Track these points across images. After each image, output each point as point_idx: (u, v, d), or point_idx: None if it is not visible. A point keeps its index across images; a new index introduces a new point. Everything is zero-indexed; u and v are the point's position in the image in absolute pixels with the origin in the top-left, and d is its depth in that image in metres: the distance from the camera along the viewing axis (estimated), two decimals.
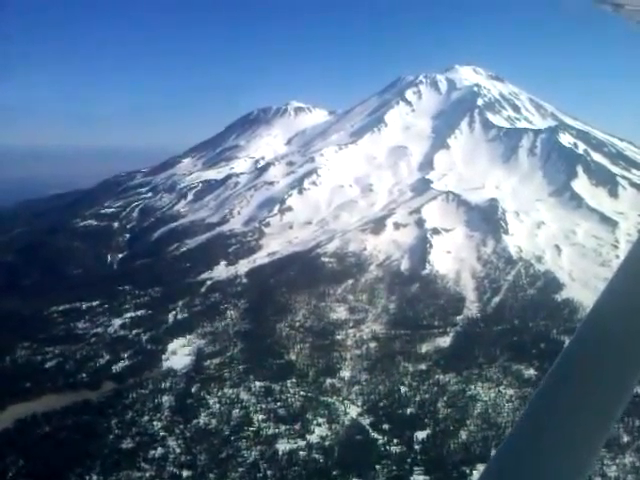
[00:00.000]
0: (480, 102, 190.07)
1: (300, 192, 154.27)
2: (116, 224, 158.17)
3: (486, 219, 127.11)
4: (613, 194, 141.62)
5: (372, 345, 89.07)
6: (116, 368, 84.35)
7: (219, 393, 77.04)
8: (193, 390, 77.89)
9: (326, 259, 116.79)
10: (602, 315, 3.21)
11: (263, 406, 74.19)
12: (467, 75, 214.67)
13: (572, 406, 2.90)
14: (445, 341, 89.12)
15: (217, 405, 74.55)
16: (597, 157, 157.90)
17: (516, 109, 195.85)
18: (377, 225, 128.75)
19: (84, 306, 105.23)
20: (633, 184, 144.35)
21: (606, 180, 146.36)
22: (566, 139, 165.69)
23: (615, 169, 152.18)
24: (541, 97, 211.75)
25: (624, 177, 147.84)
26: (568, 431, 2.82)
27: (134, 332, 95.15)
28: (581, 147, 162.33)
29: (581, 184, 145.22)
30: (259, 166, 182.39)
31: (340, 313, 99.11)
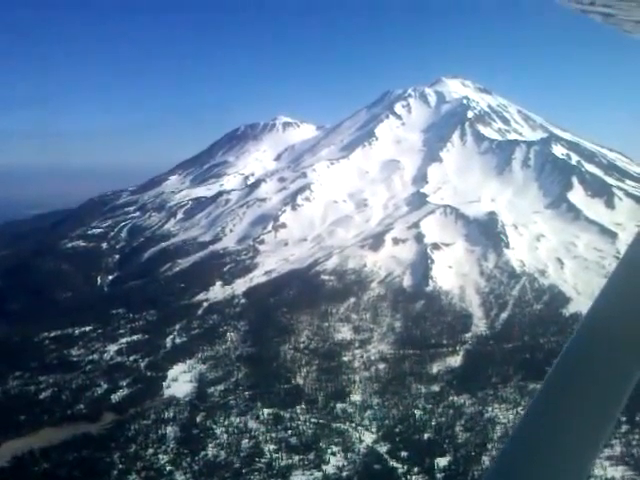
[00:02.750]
0: (470, 115, 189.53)
1: (293, 208, 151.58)
2: (104, 245, 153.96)
3: (486, 233, 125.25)
4: (610, 205, 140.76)
5: (381, 366, 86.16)
6: (115, 397, 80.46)
7: (226, 422, 73.53)
8: (198, 419, 74.34)
9: (326, 277, 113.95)
10: (599, 317, 3.22)
11: (273, 435, 70.80)
12: (455, 88, 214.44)
13: (571, 408, 2.92)
14: (456, 360, 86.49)
15: (225, 435, 71.04)
16: (591, 168, 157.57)
17: (505, 121, 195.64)
18: (375, 241, 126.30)
19: (77, 331, 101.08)
20: (629, 194, 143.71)
21: (602, 191, 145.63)
22: (559, 150, 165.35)
23: (610, 180, 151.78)
24: (527, 108, 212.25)
25: (619, 188, 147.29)
26: (568, 433, 2.85)
27: (131, 358, 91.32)
28: (574, 158, 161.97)
29: (577, 195, 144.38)
30: (250, 182, 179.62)
31: (345, 333, 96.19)
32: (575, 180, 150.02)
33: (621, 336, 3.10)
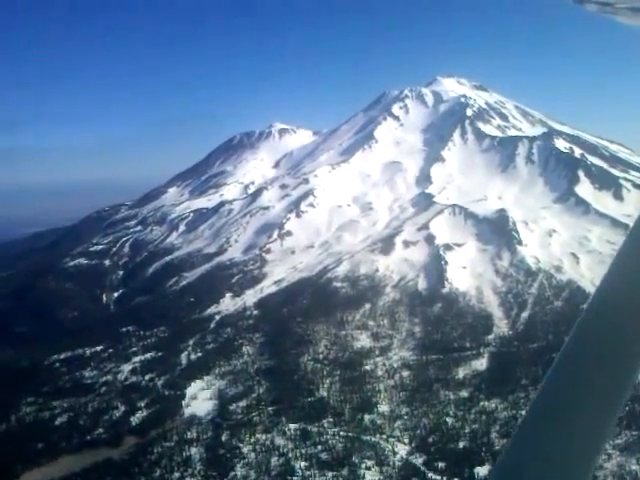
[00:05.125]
0: (469, 112, 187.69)
1: (298, 215, 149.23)
2: (107, 261, 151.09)
3: (497, 231, 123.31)
4: (618, 197, 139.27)
5: (405, 374, 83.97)
6: (135, 420, 77.92)
7: (252, 440, 71.16)
8: (223, 438, 71.96)
9: (338, 284, 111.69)
10: (599, 310, 3.19)
11: (303, 451, 68.45)
12: (451, 86, 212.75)
13: (574, 403, 2.91)
14: (481, 363, 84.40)
15: (252, 454, 68.66)
16: (595, 160, 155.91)
17: (504, 117, 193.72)
18: (385, 244, 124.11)
19: (87, 352, 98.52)
20: (636, 185, 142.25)
21: (609, 183, 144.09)
22: (562, 144, 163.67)
23: (615, 171, 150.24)
24: (523, 104, 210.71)
25: (626, 179, 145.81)
26: (572, 429, 2.85)
27: (147, 377, 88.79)
28: (577, 151, 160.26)
29: (584, 189, 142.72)
30: (251, 191, 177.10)
31: (363, 341, 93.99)
32: (581, 173, 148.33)
33: (623, 328, 2.99)
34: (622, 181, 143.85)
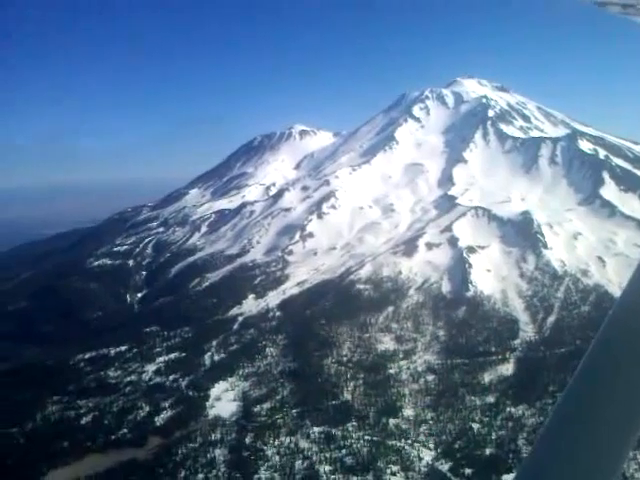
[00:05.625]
0: (491, 113, 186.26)
1: (319, 217, 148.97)
2: (131, 262, 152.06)
3: (521, 233, 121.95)
4: None
5: (429, 378, 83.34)
6: (159, 420, 78.14)
7: (276, 442, 70.98)
8: (247, 440, 71.82)
9: (361, 286, 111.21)
10: (624, 316, 3.18)
11: (327, 455, 68.10)
12: (472, 87, 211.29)
13: (598, 409, 2.88)
14: (507, 369, 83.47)
15: (276, 457, 68.46)
16: (619, 162, 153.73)
17: (526, 119, 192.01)
18: (408, 246, 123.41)
19: (112, 352, 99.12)
20: None
21: (634, 185, 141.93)
22: (586, 145, 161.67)
23: None
24: (545, 105, 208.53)
25: None
26: (595, 434, 2.81)
27: (171, 378, 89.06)
28: (601, 153, 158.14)
29: (610, 191, 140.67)
30: (272, 192, 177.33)
31: (387, 344, 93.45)
32: (606, 175, 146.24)
33: None
34: None
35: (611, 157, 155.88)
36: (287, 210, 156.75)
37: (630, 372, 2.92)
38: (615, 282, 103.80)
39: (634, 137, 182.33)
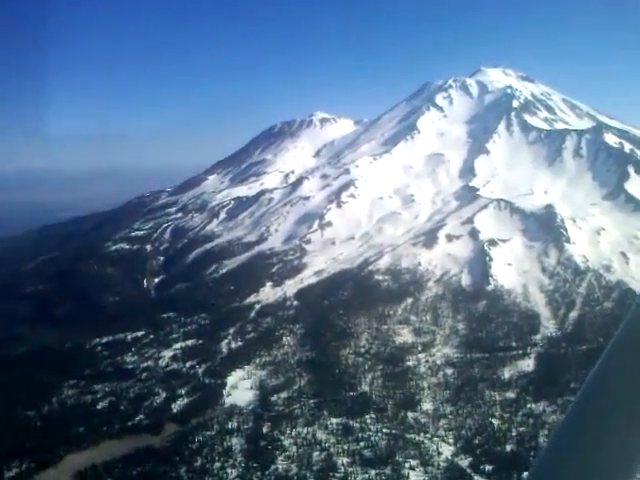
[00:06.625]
0: (516, 104, 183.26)
1: (338, 206, 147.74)
2: (149, 247, 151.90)
3: (544, 227, 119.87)
4: None
5: (448, 371, 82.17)
6: (176, 407, 77.88)
7: (293, 433, 70.37)
8: (264, 430, 71.29)
9: (380, 277, 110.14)
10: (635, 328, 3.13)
11: (345, 447, 67.35)
12: (497, 77, 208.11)
13: (613, 410, 2.86)
14: (528, 364, 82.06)
15: (294, 447, 67.81)
16: None
17: (551, 110, 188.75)
18: (428, 238, 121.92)
19: (129, 337, 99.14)
20: None
21: None
22: (611, 139, 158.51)
23: None
24: (570, 96, 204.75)
25: None
26: (610, 435, 2.79)
27: (188, 364, 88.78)
28: (627, 146, 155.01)
29: (635, 185, 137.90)
30: (291, 180, 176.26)
31: (405, 336, 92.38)
32: (631, 169, 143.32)
33: None
34: None
35: (637, 151, 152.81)
36: (306, 198, 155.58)
37: None
38: (638, 279, 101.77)
39: None
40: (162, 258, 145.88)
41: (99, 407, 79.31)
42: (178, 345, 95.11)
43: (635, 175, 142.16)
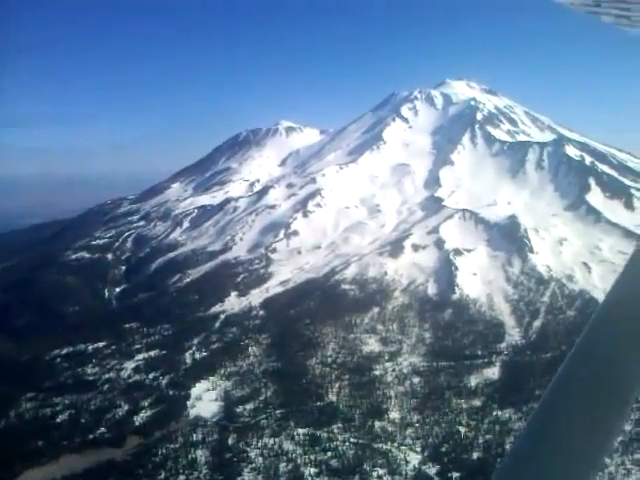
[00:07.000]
0: (479, 116, 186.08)
1: (304, 215, 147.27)
2: (110, 256, 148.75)
3: (508, 237, 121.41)
4: (629, 206, 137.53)
5: (415, 380, 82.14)
6: (138, 419, 75.90)
7: (259, 444, 69.25)
8: (230, 442, 70.05)
9: (346, 286, 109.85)
10: (606, 319, 3.32)
11: (312, 457, 66.58)
12: (461, 89, 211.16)
13: (579, 408, 2.95)
14: (493, 372, 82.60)
15: (260, 459, 66.74)
16: (605, 169, 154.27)
17: (513, 122, 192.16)
18: (394, 247, 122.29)
19: (89, 348, 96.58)
20: None
21: (620, 192, 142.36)
22: (572, 151, 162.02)
23: (626, 181, 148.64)
24: (532, 109, 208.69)
25: (637, 189, 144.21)
26: (576, 433, 2.88)
27: (151, 376, 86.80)
28: (588, 159, 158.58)
29: (595, 197, 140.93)
30: (256, 189, 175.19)
31: (372, 345, 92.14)
32: (592, 181, 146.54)
33: (627, 341, 3.08)
34: (633, 190, 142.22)
35: (597, 163, 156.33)
36: (272, 207, 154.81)
37: (610, 376, 2.95)
38: (600, 288, 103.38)
39: (619, 144, 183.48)
40: (124, 267, 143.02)
41: (59, 420, 76.81)
42: (141, 356, 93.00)
43: (596, 187, 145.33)
